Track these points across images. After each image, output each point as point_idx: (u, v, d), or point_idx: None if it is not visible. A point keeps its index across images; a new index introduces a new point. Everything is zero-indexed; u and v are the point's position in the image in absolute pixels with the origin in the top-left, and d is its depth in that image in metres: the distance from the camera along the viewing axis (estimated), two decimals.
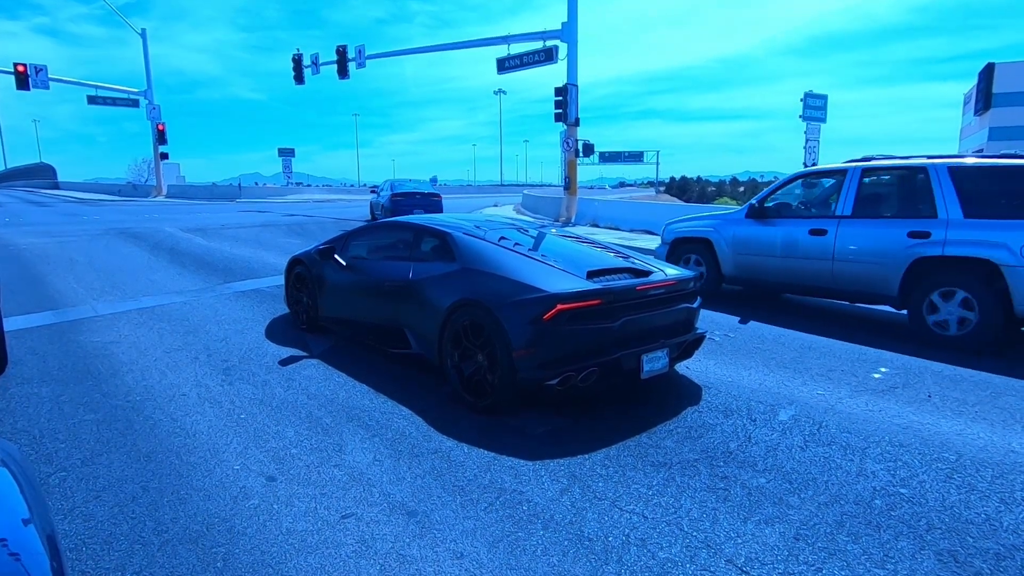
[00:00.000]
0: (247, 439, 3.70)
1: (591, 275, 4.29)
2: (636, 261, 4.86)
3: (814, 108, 13.66)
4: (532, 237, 5.23)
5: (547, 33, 19.15)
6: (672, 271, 4.73)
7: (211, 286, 8.45)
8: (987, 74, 65.17)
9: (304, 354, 5.40)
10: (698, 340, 4.69)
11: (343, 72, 26.03)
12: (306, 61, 27.87)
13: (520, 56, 20.00)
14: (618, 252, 5.22)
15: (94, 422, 3.92)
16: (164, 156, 38.87)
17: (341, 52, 26.28)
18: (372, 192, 23.13)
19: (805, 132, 13.56)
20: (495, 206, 30.34)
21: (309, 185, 61.70)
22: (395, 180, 21.22)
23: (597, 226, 17.50)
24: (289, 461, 3.44)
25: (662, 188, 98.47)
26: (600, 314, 4.02)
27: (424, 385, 4.64)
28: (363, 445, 3.66)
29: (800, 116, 13.39)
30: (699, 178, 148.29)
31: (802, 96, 13.51)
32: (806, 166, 13.94)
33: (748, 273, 7.67)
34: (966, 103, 77.01)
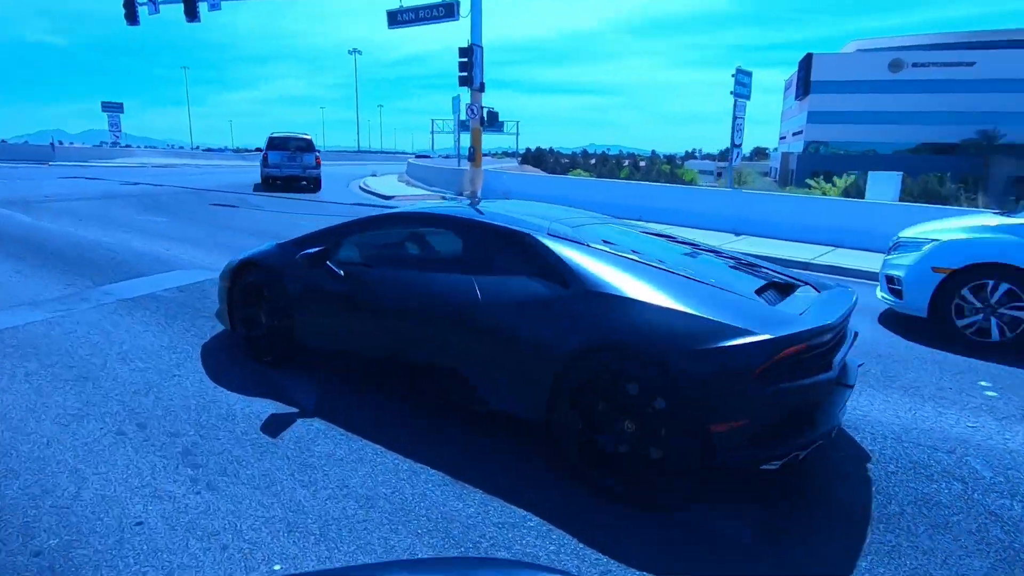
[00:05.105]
0: None
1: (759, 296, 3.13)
2: (763, 266, 3.78)
3: (741, 85, 13.45)
4: (634, 238, 3.92)
5: None
6: (814, 280, 3.71)
7: (79, 291, 6.04)
8: (806, 63, 72.63)
9: (292, 410, 3.65)
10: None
11: (192, 14, 21.89)
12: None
13: (416, 9, 17.86)
14: (710, 249, 4.11)
15: None
16: None
17: None
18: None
19: (734, 109, 13.32)
20: (373, 175, 27.85)
21: (138, 147, 53.52)
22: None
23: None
24: None
25: (519, 159, 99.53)
26: (819, 358, 2.88)
27: (523, 460, 3.19)
28: None
29: (731, 92, 13.09)
30: (551, 150, 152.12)
31: (733, 72, 13.22)
32: (734, 145, 13.77)
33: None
34: (787, 88, 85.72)
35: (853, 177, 51.36)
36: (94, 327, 4.96)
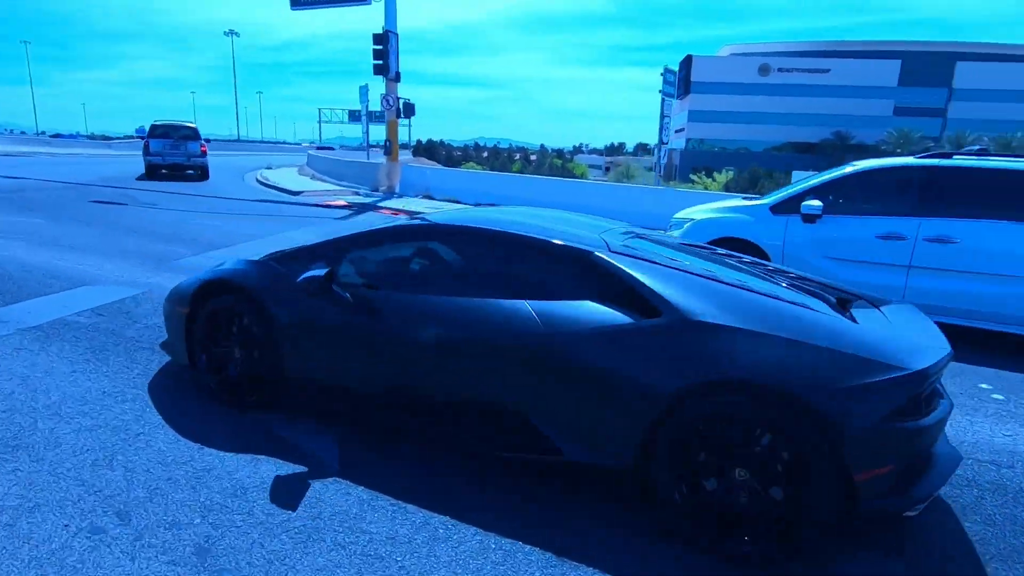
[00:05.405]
0: None
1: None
2: (812, 279, 3.57)
3: (669, 84, 13.62)
4: (685, 253, 3.54)
5: None
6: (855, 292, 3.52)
7: None
8: (687, 65, 76.74)
9: (302, 469, 2.94)
10: None
11: None
12: None
13: None
14: (752, 261, 3.84)
15: None
16: None
17: None
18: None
19: (661, 107, 13.46)
20: (269, 168, 25.79)
21: None
22: None
23: (432, 198, 15.51)
24: None
25: (411, 151, 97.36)
26: (938, 389, 2.66)
27: (616, 519, 2.70)
28: None
29: (659, 91, 13.21)
30: (442, 142, 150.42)
31: (661, 71, 13.33)
32: (662, 143, 13.93)
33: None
34: None
35: (732, 173, 55.07)
36: (0, 370, 3.86)
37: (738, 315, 2.64)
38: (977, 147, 6.14)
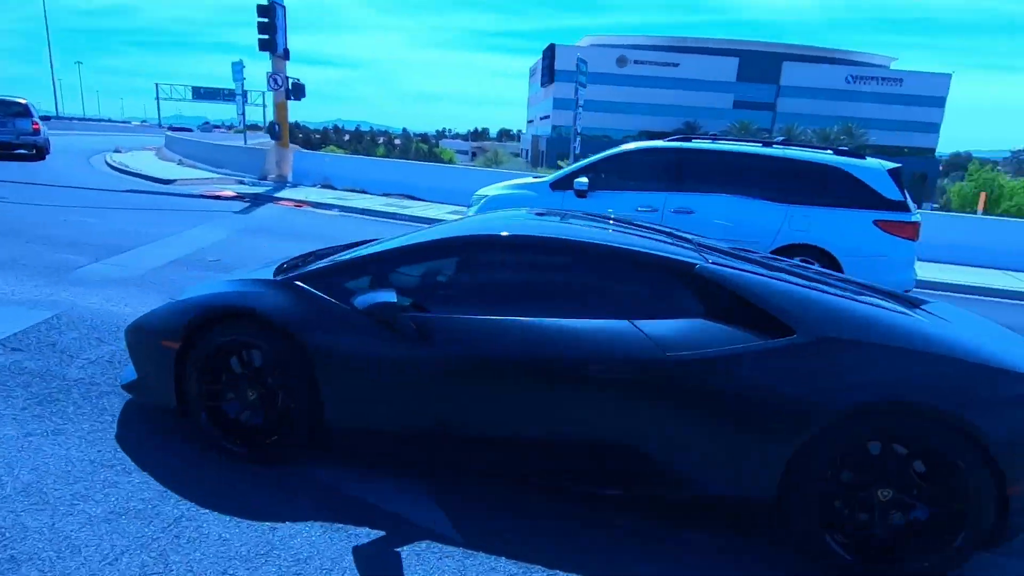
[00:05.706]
0: None
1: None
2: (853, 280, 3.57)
3: (583, 73, 13.62)
4: (754, 259, 3.39)
5: None
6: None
7: None
8: (550, 53, 78.52)
9: (417, 542, 2.41)
10: None
11: None
12: None
13: None
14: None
15: None
16: None
17: None
18: None
19: (576, 95, 13.46)
20: (118, 151, 22.51)
21: None
22: None
23: (332, 188, 14.31)
24: None
25: (265, 131, 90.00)
26: None
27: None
28: None
29: (575, 82, 13.19)
30: (298, 124, 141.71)
31: (576, 61, 13.27)
32: (577, 133, 13.94)
33: None
34: (532, 75, 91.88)
35: None
36: None
37: (867, 329, 2.55)
38: (712, 133, 6.94)
